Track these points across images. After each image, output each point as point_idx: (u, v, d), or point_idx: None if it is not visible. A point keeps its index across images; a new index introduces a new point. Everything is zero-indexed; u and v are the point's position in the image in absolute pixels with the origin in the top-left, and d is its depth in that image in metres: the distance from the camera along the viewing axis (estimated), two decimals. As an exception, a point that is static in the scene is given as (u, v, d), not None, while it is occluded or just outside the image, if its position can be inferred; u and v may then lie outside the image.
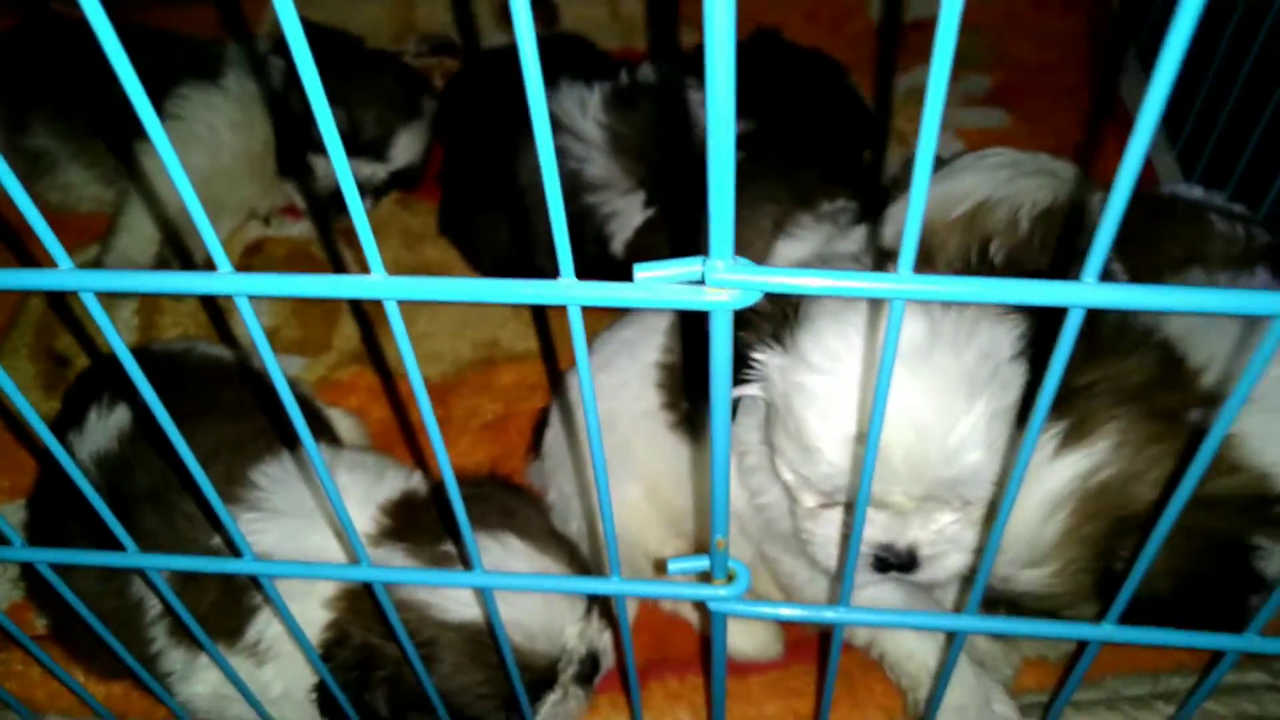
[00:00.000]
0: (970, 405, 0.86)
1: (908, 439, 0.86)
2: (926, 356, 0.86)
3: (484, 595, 0.84)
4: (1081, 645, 1.00)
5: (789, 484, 0.98)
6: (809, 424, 0.90)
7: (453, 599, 1.04)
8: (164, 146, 0.52)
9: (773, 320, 0.94)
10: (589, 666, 1.15)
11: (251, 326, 0.62)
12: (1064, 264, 1.15)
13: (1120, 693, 1.18)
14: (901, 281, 0.52)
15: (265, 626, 1.11)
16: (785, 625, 1.26)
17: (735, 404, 1.00)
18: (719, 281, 0.54)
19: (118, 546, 0.82)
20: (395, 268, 1.73)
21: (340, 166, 0.52)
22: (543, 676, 1.11)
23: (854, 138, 1.65)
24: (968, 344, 0.87)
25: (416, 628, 1.06)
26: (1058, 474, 0.92)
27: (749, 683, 1.23)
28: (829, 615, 0.81)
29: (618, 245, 1.56)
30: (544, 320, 1.60)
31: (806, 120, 1.58)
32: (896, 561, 0.97)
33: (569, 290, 0.56)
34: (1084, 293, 0.50)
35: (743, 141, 1.49)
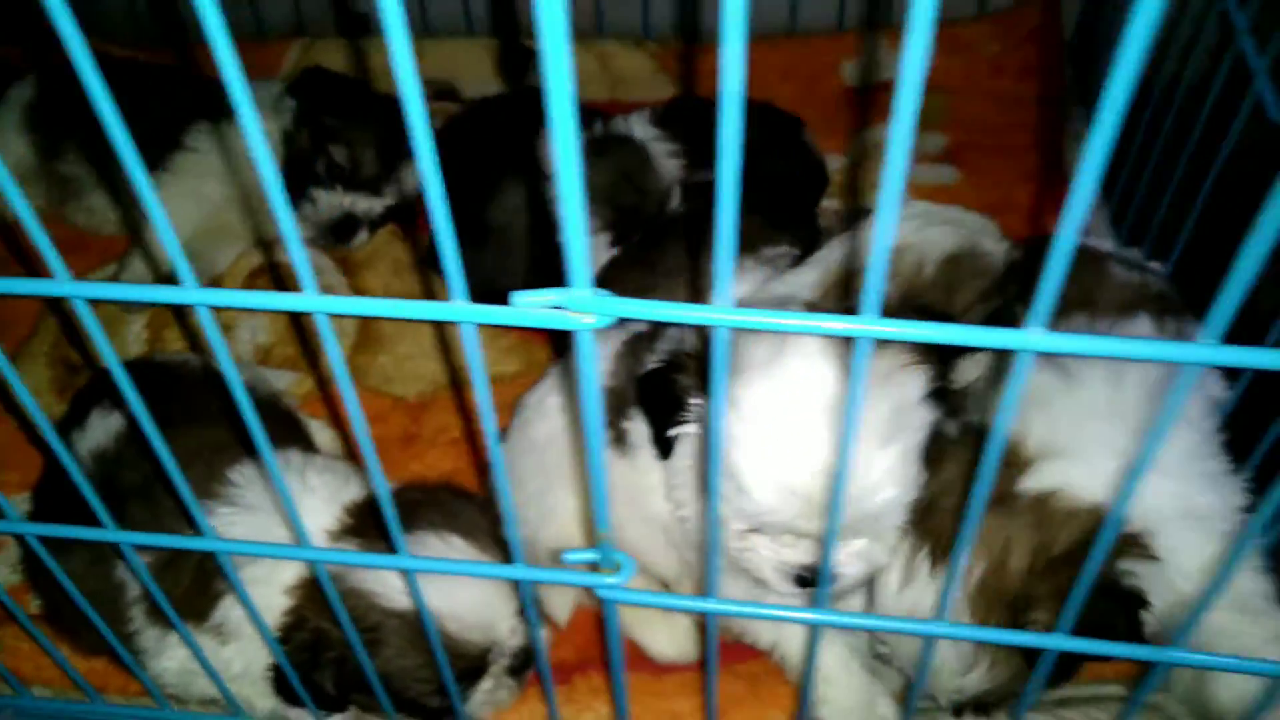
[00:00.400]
0: (885, 448, 0.97)
1: (829, 480, 0.96)
2: (840, 407, 0.96)
3: (409, 579, 0.97)
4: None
5: (721, 511, 1.08)
6: (738, 465, 1.00)
7: (397, 589, 1.16)
8: (143, 185, 0.65)
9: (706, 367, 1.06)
10: (521, 659, 1.26)
11: (211, 335, 0.75)
12: (968, 304, 1.28)
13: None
14: (863, 322, 0.60)
15: (230, 609, 1.23)
16: (701, 627, 1.38)
17: (674, 440, 1.12)
18: (576, 305, 0.68)
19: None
20: (385, 293, 1.89)
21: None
22: (475, 665, 1.22)
23: (807, 189, 1.79)
24: (883, 392, 0.99)
25: (364, 614, 1.18)
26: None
27: (664, 681, 1.34)
28: (701, 605, 0.92)
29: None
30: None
31: (762, 171, 1.71)
32: (812, 577, 1.07)
33: (462, 310, 0.70)
34: (1031, 339, 0.58)
35: (704, 190, 1.64)
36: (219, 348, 0.77)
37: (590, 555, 0.91)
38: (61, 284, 0.72)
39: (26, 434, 1.65)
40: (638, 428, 1.25)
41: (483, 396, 0.76)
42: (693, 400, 1.07)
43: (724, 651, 1.36)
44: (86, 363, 1.78)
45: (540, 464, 1.37)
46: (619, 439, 1.28)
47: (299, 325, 1.83)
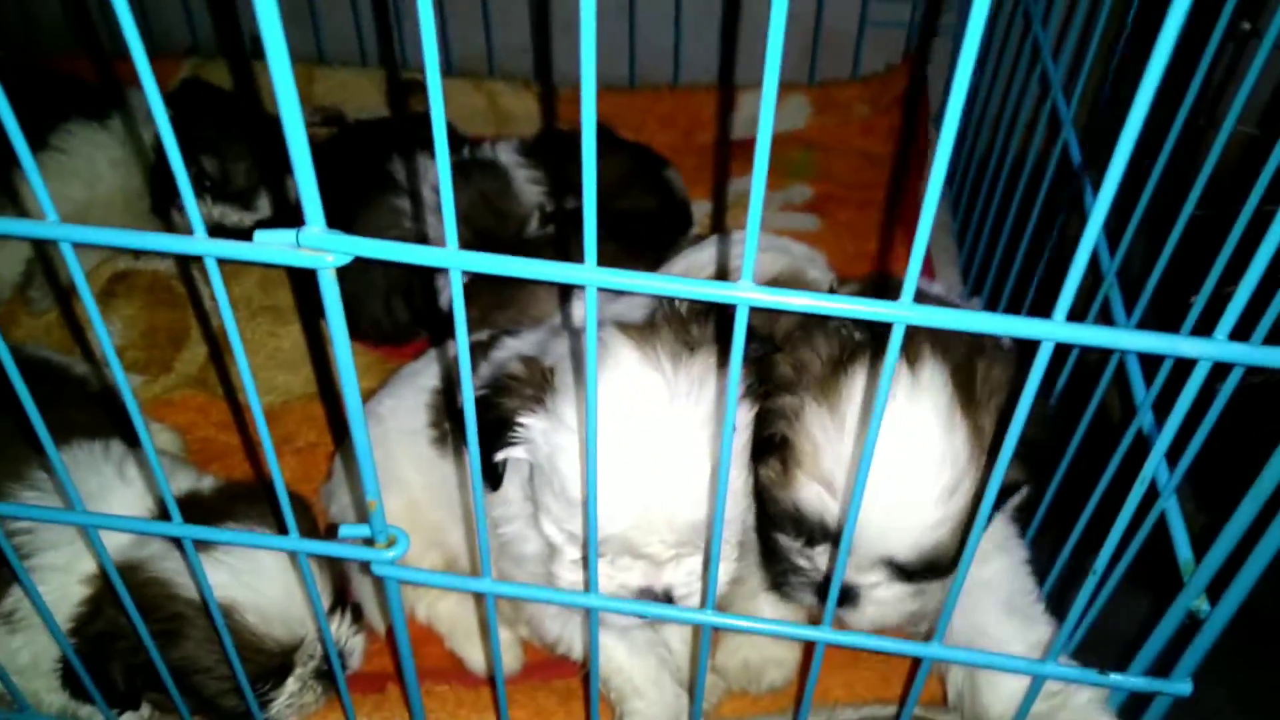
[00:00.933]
0: (709, 454, 0.96)
1: (661, 494, 0.96)
2: (666, 416, 0.96)
3: (186, 552, 0.95)
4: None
5: (552, 539, 1.06)
6: (571, 481, 0.98)
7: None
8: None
9: (533, 384, 1.03)
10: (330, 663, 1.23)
11: (73, 267, 0.74)
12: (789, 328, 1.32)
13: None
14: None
15: (21, 597, 1.18)
16: (525, 643, 1.37)
17: (502, 465, 1.06)
18: (312, 241, 0.69)
19: None
20: (247, 306, 1.88)
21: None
22: (278, 663, 1.20)
23: (667, 222, 1.84)
24: (700, 396, 0.97)
25: (163, 603, 1.14)
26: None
27: (481, 692, 1.34)
28: (478, 586, 0.92)
29: (444, 300, 1.71)
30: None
31: (625, 204, 1.76)
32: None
33: (203, 245, 0.71)
34: (1055, 329, 0.63)
35: (569, 216, 1.68)
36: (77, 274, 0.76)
37: (363, 530, 0.90)
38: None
39: None
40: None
41: (232, 333, 0.77)
42: (520, 420, 1.03)
43: (543, 666, 1.36)
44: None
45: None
46: (442, 439, 1.29)
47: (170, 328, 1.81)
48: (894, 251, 1.89)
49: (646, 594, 1.05)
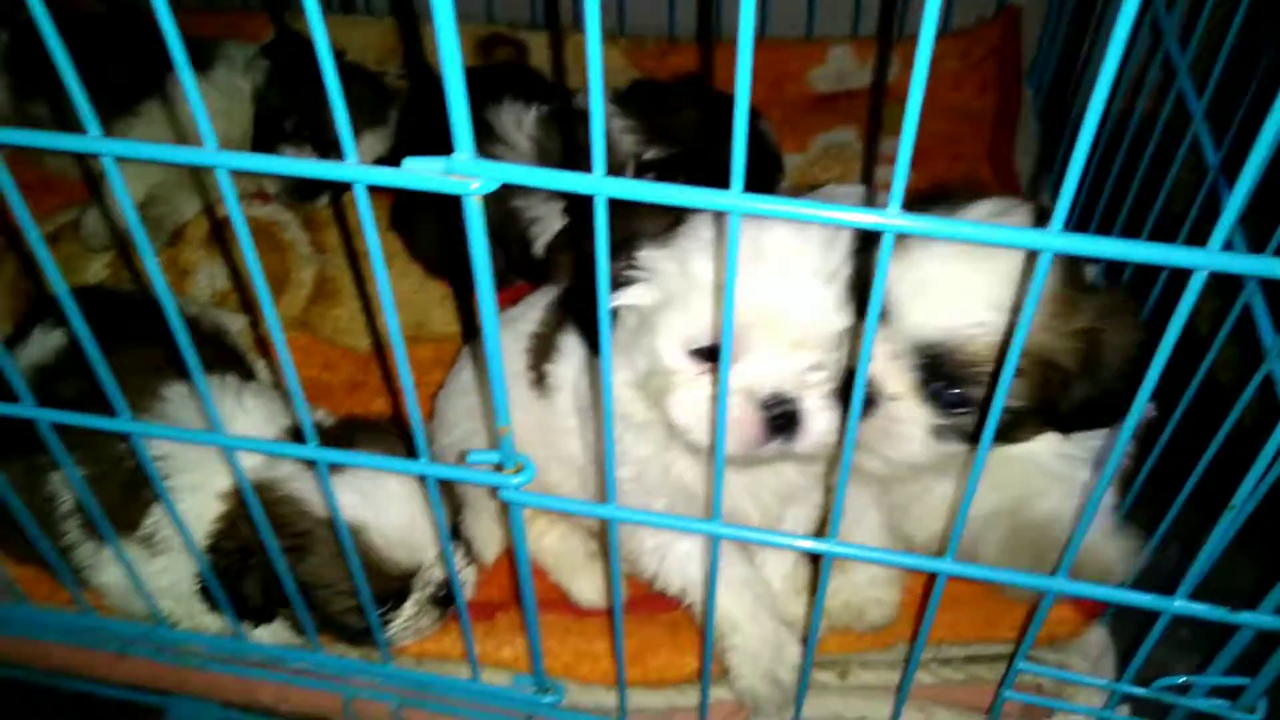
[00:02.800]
0: (829, 284, 1.01)
1: (797, 290, 1.00)
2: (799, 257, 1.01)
3: (320, 473, 0.99)
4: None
5: (669, 368, 1.06)
6: (705, 281, 1.01)
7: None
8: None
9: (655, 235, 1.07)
10: (446, 590, 1.27)
11: (118, 189, 0.78)
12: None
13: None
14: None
15: (160, 519, 1.25)
16: (629, 577, 1.40)
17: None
18: (461, 169, 0.71)
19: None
20: (340, 253, 1.93)
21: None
22: (398, 587, 1.24)
23: (760, 173, 1.84)
24: (831, 246, 1.02)
25: (294, 520, 1.19)
26: None
27: (586, 622, 1.37)
28: (601, 510, 0.95)
29: (539, 247, 1.74)
30: (469, 309, 1.78)
31: (716, 154, 1.77)
32: (783, 414, 1.03)
33: (355, 171, 0.74)
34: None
35: (655, 165, 1.69)
36: (129, 211, 0.81)
37: (493, 455, 0.94)
38: (94, 140, 0.75)
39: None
40: (559, 370, 1.28)
41: (378, 265, 0.80)
42: (643, 254, 1.06)
43: (647, 600, 1.38)
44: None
45: (468, 407, 1.41)
46: (539, 380, 1.31)
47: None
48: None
49: (777, 402, 1.04)
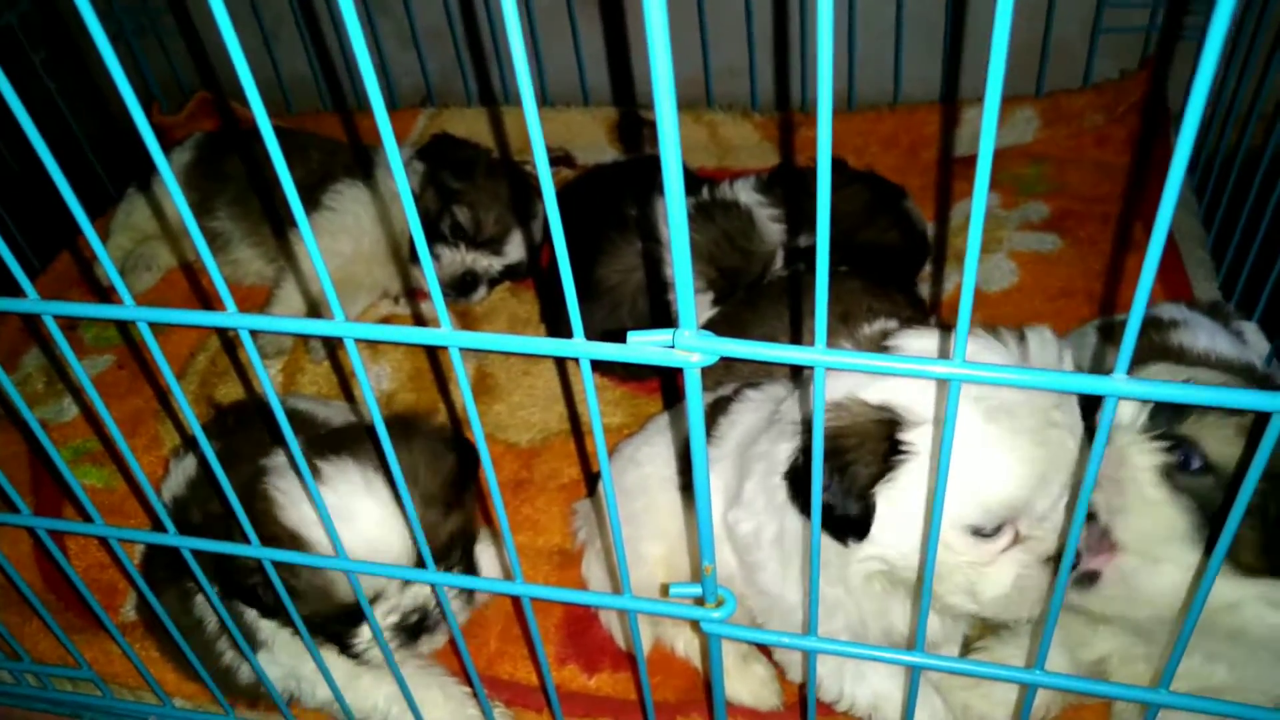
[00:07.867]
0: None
1: (1052, 449, 1.00)
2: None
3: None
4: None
5: (959, 546, 1.04)
6: (969, 468, 0.98)
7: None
8: (309, 237, 0.75)
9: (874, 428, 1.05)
10: (415, 622, 1.26)
11: (252, 354, 0.85)
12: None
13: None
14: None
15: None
16: (785, 681, 1.39)
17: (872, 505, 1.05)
18: (685, 345, 0.75)
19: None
20: (499, 346, 1.99)
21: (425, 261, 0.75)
22: (347, 612, 1.21)
23: (908, 257, 1.83)
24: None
25: (266, 524, 1.17)
26: None
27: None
28: (801, 643, 0.97)
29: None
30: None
31: (864, 239, 1.77)
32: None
33: (580, 347, 0.78)
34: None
35: (805, 254, 1.70)
36: (260, 370, 0.86)
37: (695, 589, 0.96)
38: (230, 316, 0.82)
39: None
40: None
41: (597, 429, 0.84)
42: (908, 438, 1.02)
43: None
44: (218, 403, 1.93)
45: (630, 512, 1.40)
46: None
47: (432, 366, 1.95)
48: (1130, 270, 1.82)
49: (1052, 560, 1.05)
